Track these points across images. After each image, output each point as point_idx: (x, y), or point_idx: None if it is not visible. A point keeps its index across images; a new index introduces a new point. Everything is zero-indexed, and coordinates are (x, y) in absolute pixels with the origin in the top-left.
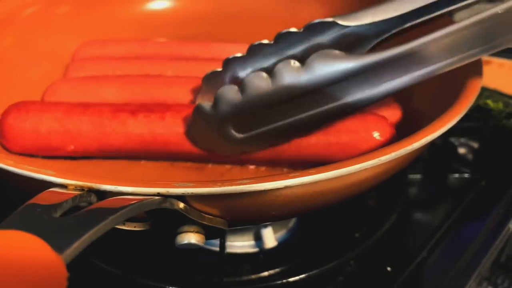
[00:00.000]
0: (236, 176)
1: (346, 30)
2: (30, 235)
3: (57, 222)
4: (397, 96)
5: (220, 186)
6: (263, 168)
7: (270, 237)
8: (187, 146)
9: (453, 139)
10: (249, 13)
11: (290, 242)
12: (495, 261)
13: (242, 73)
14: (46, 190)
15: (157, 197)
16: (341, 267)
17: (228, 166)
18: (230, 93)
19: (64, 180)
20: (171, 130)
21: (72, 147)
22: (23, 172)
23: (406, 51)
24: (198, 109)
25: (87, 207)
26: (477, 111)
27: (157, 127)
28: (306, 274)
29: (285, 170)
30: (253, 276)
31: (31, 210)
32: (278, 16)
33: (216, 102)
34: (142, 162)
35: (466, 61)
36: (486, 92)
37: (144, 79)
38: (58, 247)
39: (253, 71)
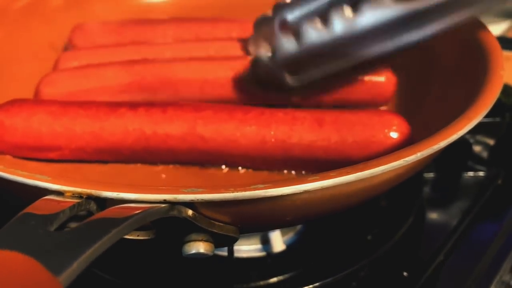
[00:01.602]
0: (240, 180)
1: None
2: (23, 256)
3: (53, 238)
4: (417, 93)
5: (233, 192)
6: (270, 174)
7: (278, 241)
8: (189, 141)
9: (467, 136)
10: (250, 4)
11: (299, 245)
12: None
13: (291, 16)
14: (42, 198)
15: (163, 205)
16: (355, 273)
17: (230, 169)
18: (287, 44)
19: (60, 186)
20: (172, 123)
21: (67, 144)
22: (14, 178)
23: None
24: (257, 61)
25: (87, 217)
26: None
27: (158, 121)
28: (320, 282)
29: (293, 173)
30: (261, 282)
31: (24, 222)
32: None
33: (274, 53)
34: (140, 165)
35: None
36: None
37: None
38: (55, 269)
39: (308, 19)
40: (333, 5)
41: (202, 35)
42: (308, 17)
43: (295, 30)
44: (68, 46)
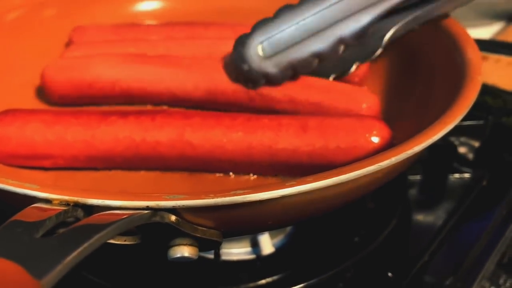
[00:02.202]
0: (228, 185)
1: None
2: (6, 261)
3: (38, 244)
4: (396, 98)
5: (213, 198)
6: (257, 178)
7: (267, 243)
8: (178, 148)
9: (452, 138)
10: (239, 10)
11: (288, 247)
12: (498, 262)
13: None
14: (30, 206)
15: (146, 211)
16: (341, 273)
17: (218, 175)
18: (264, 24)
19: (48, 194)
20: (161, 131)
21: (60, 152)
22: (3, 187)
23: None
24: (237, 41)
25: (75, 223)
26: (476, 109)
27: (147, 128)
28: (306, 283)
29: (277, 178)
30: (251, 284)
31: (12, 229)
32: (269, 12)
33: (252, 32)
34: (131, 173)
35: None
36: (484, 88)
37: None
38: (37, 273)
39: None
40: None
41: (194, 36)
42: None
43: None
44: (69, 45)
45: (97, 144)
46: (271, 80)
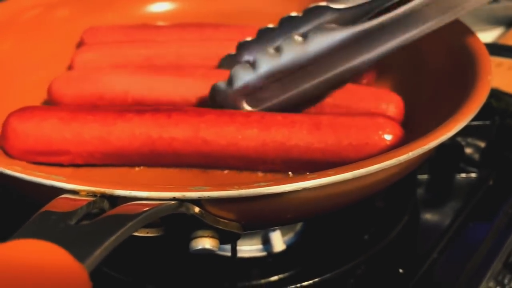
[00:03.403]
0: (241, 180)
1: (339, 12)
2: (50, 243)
3: (75, 230)
4: (407, 97)
5: (237, 189)
6: (269, 175)
7: (279, 241)
8: (193, 144)
9: (459, 139)
10: (246, 12)
11: (298, 245)
12: (505, 262)
13: (253, 54)
14: (58, 197)
15: (173, 202)
16: (352, 270)
17: (232, 172)
18: (243, 70)
19: (75, 186)
20: (176, 127)
21: (77, 149)
22: (32, 179)
23: (390, 18)
24: (215, 88)
25: (100, 214)
26: (482, 110)
27: (163, 125)
28: (318, 279)
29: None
30: (263, 281)
31: (45, 218)
32: (276, 15)
33: (230, 80)
34: (146, 168)
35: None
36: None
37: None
38: (80, 256)
39: (262, 49)
40: (285, 35)
41: (204, 37)
42: (263, 47)
43: (251, 60)
44: (81, 45)
45: (113, 141)
46: None
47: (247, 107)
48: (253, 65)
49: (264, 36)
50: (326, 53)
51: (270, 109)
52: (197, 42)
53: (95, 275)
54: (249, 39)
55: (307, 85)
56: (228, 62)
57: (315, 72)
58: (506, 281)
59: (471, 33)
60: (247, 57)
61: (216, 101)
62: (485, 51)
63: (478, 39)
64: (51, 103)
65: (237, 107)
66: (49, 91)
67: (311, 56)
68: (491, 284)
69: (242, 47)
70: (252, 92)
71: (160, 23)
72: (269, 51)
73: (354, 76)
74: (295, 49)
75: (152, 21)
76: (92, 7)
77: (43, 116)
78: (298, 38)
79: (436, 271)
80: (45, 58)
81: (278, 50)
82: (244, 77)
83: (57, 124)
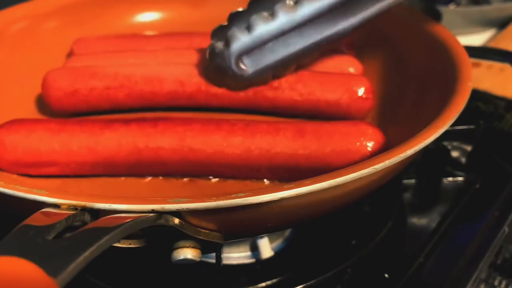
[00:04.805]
0: (227, 189)
1: None
2: (23, 260)
3: (51, 245)
4: (388, 104)
5: (215, 201)
6: (252, 182)
7: (267, 247)
8: (179, 153)
9: (445, 143)
10: None
11: (287, 251)
12: (492, 264)
13: (245, 24)
14: (39, 211)
15: (151, 214)
16: (339, 275)
17: (218, 180)
18: (239, 32)
19: (57, 199)
20: (163, 136)
21: (65, 159)
22: (14, 193)
23: None
24: (213, 48)
25: (82, 227)
26: (468, 114)
27: (149, 134)
28: (305, 285)
29: (276, 182)
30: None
31: (24, 232)
32: None
33: (227, 41)
34: (133, 178)
35: None
36: (476, 94)
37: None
38: (52, 271)
39: (257, 13)
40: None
41: (193, 46)
42: (257, 12)
43: (247, 23)
44: (70, 56)
45: (100, 150)
46: (252, 85)
47: (243, 66)
48: (248, 28)
49: (255, 7)
50: (316, 16)
51: (264, 71)
52: (186, 50)
53: (80, 284)
54: (240, 9)
55: (298, 47)
56: (220, 33)
57: (306, 35)
58: (496, 282)
59: (452, 37)
60: (239, 26)
61: (214, 62)
62: (465, 56)
63: (460, 45)
64: (44, 95)
65: (234, 67)
66: (43, 83)
67: (302, 19)
68: (481, 286)
69: (234, 18)
70: (247, 53)
71: (149, 32)
72: (264, 14)
73: (339, 41)
74: (287, 12)
75: (140, 31)
76: (80, 18)
77: (31, 127)
78: (290, 2)
79: (423, 274)
80: (34, 70)
81: (271, 14)
82: (241, 38)
83: (45, 135)
